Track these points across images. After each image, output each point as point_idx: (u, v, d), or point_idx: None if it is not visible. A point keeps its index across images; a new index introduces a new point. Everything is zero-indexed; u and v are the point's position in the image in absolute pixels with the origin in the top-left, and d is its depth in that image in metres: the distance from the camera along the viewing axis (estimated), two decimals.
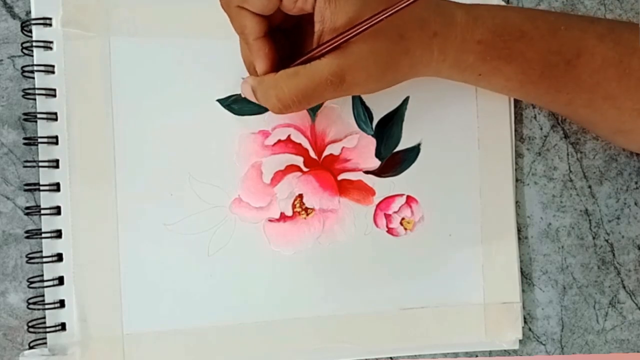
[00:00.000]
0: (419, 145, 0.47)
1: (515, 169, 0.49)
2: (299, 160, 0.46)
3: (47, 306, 0.43)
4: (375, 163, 0.47)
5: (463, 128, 0.47)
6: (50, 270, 0.43)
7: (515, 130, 0.49)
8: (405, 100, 0.47)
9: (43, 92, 0.43)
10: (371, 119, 0.47)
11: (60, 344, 0.43)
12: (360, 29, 0.37)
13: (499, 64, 0.41)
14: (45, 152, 0.43)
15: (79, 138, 0.43)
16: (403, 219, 0.48)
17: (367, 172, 0.47)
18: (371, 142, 0.47)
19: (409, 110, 0.47)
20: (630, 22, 0.39)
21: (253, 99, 0.40)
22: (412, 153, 0.47)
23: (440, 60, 0.41)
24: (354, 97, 0.47)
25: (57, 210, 0.43)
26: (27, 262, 0.43)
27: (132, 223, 0.44)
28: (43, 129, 0.43)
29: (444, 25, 0.40)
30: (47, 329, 0.43)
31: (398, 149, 0.47)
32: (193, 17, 0.45)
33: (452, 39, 0.39)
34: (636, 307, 0.51)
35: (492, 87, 0.45)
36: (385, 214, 0.47)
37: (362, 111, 0.47)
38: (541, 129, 0.50)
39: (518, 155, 0.49)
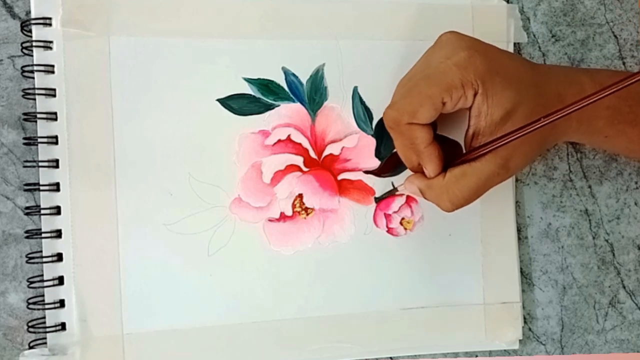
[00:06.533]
0: None
1: None
2: (299, 160, 0.46)
3: (47, 306, 0.43)
4: (375, 163, 0.47)
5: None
6: (50, 270, 0.43)
7: None
8: None
9: (43, 92, 0.43)
10: (371, 118, 0.47)
11: (60, 344, 0.43)
12: (522, 133, 0.39)
13: (624, 127, 0.44)
14: (45, 152, 0.43)
15: (79, 138, 0.43)
16: (403, 218, 0.48)
17: (367, 172, 0.47)
18: (371, 142, 0.47)
19: None
20: None
21: (419, 197, 0.43)
22: None
23: (576, 127, 0.44)
24: (354, 97, 0.47)
25: (57, 210, 0.43)
26: (27, 262, 0.43)
27: (132, 223, 0.44)
28: (43, 128, 0.43)
29: (577, 95, 0.42)
30: (47, 329, 0.43)
31: None
32: (193, 17, 0.45)
33: (586, 107, 0.40)
34: (636, 307, 0.51)
35: (614, 148, 0.48)
36: (385, 214, 0.47)
37: (362, 111, 0.47)
38: None
39: None
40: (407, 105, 0.40)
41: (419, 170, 0.43)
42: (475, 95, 0.40)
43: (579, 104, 0.37)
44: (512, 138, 0.39)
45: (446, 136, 0.47)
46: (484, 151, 0.40)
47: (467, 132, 0.42)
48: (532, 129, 0.39)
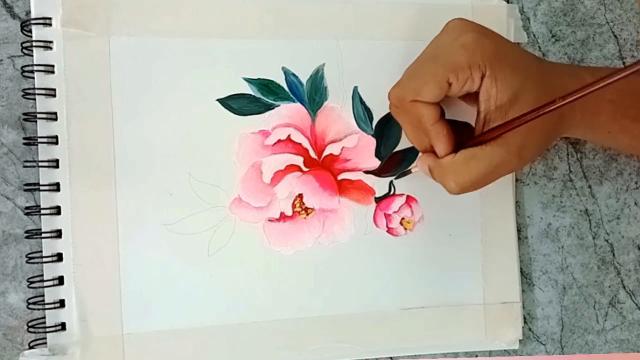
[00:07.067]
0: None
1: None
2: (299, 160, 0.46)
3: (47, 306, 0.43)
4: (375, 163, 0.47)
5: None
6: (50, 270, 0.43)
7: None
8: None
9: (43, 92, 0.43)
10: (371, 118, 0.47)
11: (60, 344, 0.43)
12: (536, 115, 0.38)
13: (627, 123, 0.44)
14: (45, 152, 0.43)
15: (79, 138, 0.43)
16: (403, 218, 0.48)
17: (367, 172, 0.47)
18: (371, 142, 0.47)
19: None
20: None
21: (429, 176, 0.43)
22: (412, 153, 0.47)
23: (580, 122, 0.43)
24: (354, 97, 0.47)
25: (57, 210, 0.43)
26: (27, 262, 0.43)
27: (132, 223, 0.44)
28: (43, 128, 0.43)
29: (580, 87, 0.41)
30: (47, 329, 0.43)
31: (398, 148, 0.47)
32: (193, 17, 0.45)
33: (589, 101, 0.40)
34: (636, 307, 0.51)
35: (617, 145, 0.48)
36: (385, 214, 0.47)
37: (362, 111, 0.47)
38: None
39: None
40: (411, 83, 0.40)
41: (431, 152, 0.42)
42: (482, 78, 0.40)
43: (597, 84, 0.36)
44: (526, 120, 0.38)
45: (456, 120, 0.46)
46: (497, 133, 0.40)
47: (478, 118, 0.41)
48: (547, 110, 0.38)
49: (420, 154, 0.44)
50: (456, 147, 0.41)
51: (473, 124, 0.42)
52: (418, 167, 0.44)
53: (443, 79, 0.39)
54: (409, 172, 0.46)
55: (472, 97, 0.42)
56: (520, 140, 0.40)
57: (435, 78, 0.39)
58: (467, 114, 0.45)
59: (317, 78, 0.46)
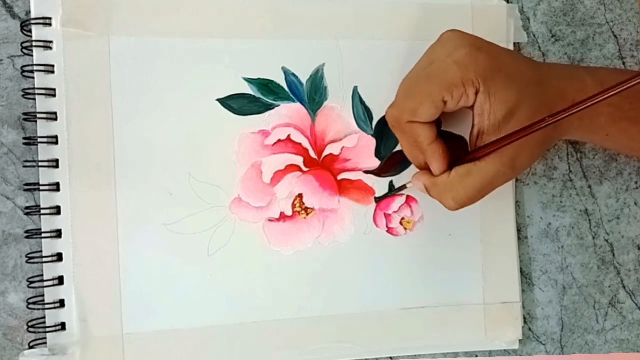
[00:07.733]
0: None
1: None
2: (299, 160, 0.46)
3: (47, 306, 0.43)
4: (375, 163, 0.47)
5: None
6: (50, 270, 0.43)
7: None
8: None
9: (43, 92, 0.43)
10: (371, 118, 0.47)
11: (60, 344, 0.43)
12: (527, 133, 0.39)
13: (626, 125, 0.44)
14: (45, 152, 0.43)
15: (79, 138, 0.43)
16: (403, 218, 0.48)
17: (367, 172, 0.47)
18: (371, 142, 0.47)
19: None
20: None
21: (425, 194, 0.43)
22: None
23: (578, 125, 0.43)
24: (354, 97, 0.47)
25: (57, 210, 0.43)
26: (27, 262, 0.43)
27: (132, 223, 0.44)
28: (43, 128, 0.43)
29: (578, 91, 0.42)
30: (47, 329, 0.43)
31: (398, 148, 0.47)
32: (193, 17, 0.45)
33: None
34: (636, 307, 0.51)
35: (616, 146, 0.48)
36: (385, 214, 0.47)
37: (362, 111, 0.47)
38: None
39: None
40: (407, 104, 0.40)
41: (425, 168, 0.43)
42: (477, 93, 0.40)
43: (585, 103, 0.37)
44: (518, 137, 0.39)
45: (451, 132, 0.47)
46: (490, 150, 0.40)
47: (472, 131, 0.42)
48: (537, 128, 0.38)
49: (414, 172, 0.44)
50: (451, 164, 0.42)
51: (468, 133, 0.42)
52: (413, 185, 0.44)
53: (438, 98, 0.39)
54: (405, 187, 0.46)
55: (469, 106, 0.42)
56: (513, 152, 0.40)
57: (430, 98, 0.40)
58: (464, 118, 0.45)
59: (317, 78, 0.46)
